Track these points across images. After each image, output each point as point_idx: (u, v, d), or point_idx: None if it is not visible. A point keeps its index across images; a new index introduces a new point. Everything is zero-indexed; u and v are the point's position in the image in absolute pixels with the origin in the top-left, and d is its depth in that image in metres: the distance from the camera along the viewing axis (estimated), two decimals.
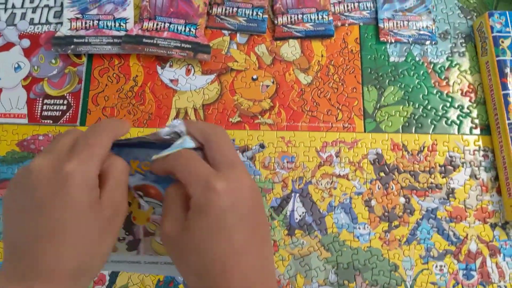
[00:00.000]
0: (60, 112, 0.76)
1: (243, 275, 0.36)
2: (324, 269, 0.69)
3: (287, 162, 0.74)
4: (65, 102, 0.77)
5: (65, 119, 0.76)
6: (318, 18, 0.79)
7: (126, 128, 0.45)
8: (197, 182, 0.37)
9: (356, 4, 0.81)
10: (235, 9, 0.80)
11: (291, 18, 0.79)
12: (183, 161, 0.39)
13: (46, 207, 0.36)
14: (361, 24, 0.81)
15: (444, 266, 0.69)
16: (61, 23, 0.80)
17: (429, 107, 0.76)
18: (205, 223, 0.36)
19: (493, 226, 0.71)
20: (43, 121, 0.76)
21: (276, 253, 0.70)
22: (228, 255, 0.36)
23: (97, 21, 0.78)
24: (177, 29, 0.78)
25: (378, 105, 0.76)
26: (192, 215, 0.37)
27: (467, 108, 0.76)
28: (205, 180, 0.37)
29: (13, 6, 0.82)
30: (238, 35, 0.80)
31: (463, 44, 0.80)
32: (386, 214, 0.71)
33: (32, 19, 0.81)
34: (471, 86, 0.77)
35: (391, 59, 0.79)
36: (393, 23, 0.80)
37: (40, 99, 0.77)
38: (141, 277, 0.69)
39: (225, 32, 0.80)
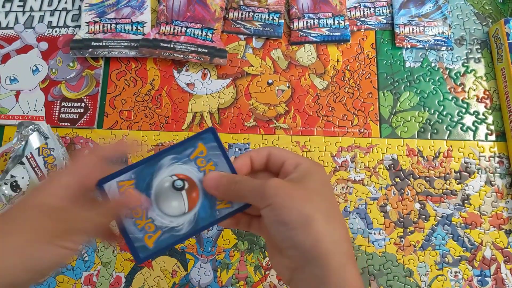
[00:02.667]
0: (78, 115, 0.77)
1: (342, 232, 0.39)
2: None
3: None
4: (83, 105, 0.77)
5: (82, 122, 0.76)
6: (334, 23, 0.79)
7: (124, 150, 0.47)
8: (304, 158, 0.42)
9: (372, 10, 0.81)
10: (251, 14, 0.80)
11: (307, 22, 0.80)
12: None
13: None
14: (377, 29, 0.81)
15: (459, 272, 0.69)
16: (79, 26, 0.80)
17: (444, 113, 0.76)
18: (313, 184, 0.40)
19: (508, 232, 0.71)
20: (60, 123, 0.77)
21: None
22: (328, 213, 0.39)
23: (114, 25, 0.79)
24: (194, 34, 0.78)
25: (394, 110, 0.76)
26: (302, 176, 0.41)
27: (483, 114, 0.76)
28: (308, 158, 0.46)
29: (31, 9, 0.83)
30: (254, 39, 0.81)
31: (479, 50, 0.80)
32: (401, 219, 0.71)
33: (50, 22, 0.82)
34: (487, 92, 0.77)
35: (407, 64, 0.79)
36: (409, 28, 0.80)
37: (58, 101, 0.78)
38: (156, 279, 0.70)
39: (241, 36, 0.81)
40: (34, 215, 0.38)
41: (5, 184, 0.71)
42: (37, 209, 0.38)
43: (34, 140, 0.73)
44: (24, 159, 0.72)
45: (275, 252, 0.41)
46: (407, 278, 0.69)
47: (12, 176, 0.72)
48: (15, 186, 0.72)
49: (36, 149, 0.72)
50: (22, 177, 0.72)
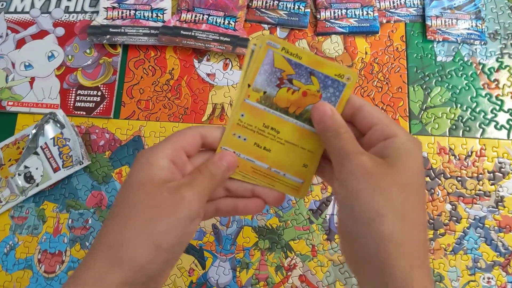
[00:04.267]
0: (94, 104, 0.74)
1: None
2: None
3: None
4: (99, 93, 0.74)
5: (98, 111, 0.73)
6: (362, 14, 0.76)
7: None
8: (399, 128, 0.37)
9: (402, 1, 0.77)
10: (276, 2, 0.77)
11: (334, 12, 0.76)
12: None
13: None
14: (408, 21, 0.77)
15: (492, 279, 0.66)
16: (97, 12, 0.77)
17: (477, 109, 0.73)
18: (404, 170, 0.35)
19: None
20: (76, 112, 0.74)
21: (315, 259, 0.67)
22: (404, 210, 0.34)
23: (133, 11, 0.76)
24: (216, 22, 0.75)
25: (424, 106, 0.73)
26: (394, 156, 0.36)
27: None
28: (402, 128, 0.38)
29: None
30: (278, 29, 0.77)
31: None
32: (431, 221, 0.68)
33: (67, 7, 0.79)
34: None
35: (438, 58, 0.75)
36: (441, 21, 0.76)
37: (74, 89, 0.75)
38: (172, 278, 0.67)
39: (265, 26, 0.77)
40: (148, 191, 0.36)
41: (19, 175, 0.69)
42: (149, 185, 0.37)
43: (49, 130, 0.70)
44: (38, 149, 0.69)
45: (343, 235, 0.38)
46: (437, 283, 0.66)
47: (26, 167, 0.69)
48: (29, 178, 0.69)
49: (51, 139, 0.70)
50: (36, 168, 0.69)
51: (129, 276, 0.34)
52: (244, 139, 0.42)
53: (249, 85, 0.41)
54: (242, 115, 0.42)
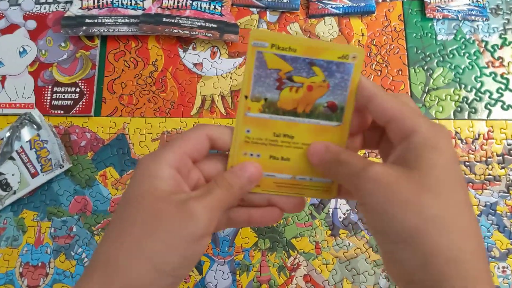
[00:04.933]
0: (72, 101, 0.68)
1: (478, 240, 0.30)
2: (373, 273, 0.62)
3: None
4: (77, 90, 0.69)
5: (78, 109, 0.68)
6: None
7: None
8: (421, 118, 0.31)
9: None
10: None
11: None
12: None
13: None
14: None
15: (507, 268, 0.62)
16: (71, 2, 0.72)
17: (483, 90, 0.69)
18: (432, 170, 0.29)
19: None
20: (53, 111, 0.68)
21: (319, 256, 0.63)
22: (448, 218, 0.29)
23: None
24: (201, 7, 0.70)
25: (427, 88, 0.69)
26: (417, 156, 0.30)
27: None
28: (426, 118, 0.32)
29: None
30: (268, 12, 0.72)
31: None
32: None
33: None
34: None
35: (439, 37, 0.71)
36: None
37: (49, 87, 0.69)
38: None
39: (254, 9, 0.72)
40: (149, 205, 0.32)
41: None
42: (150, 198, 0.33)
43: (25, 132, 0.64)
44: (14, 154, 0.64)
45: (384, 254, 0.33)
46: None
47: (1, 174, 0.64)
48: (5, 185, 0.64)
49: (27, 142, 0.64)
50: (13, 174, 0.64)
51: None
52: (258, 155, 0.38)
53: (246, 97, 0.37)
54: (248, 131, 0.37)
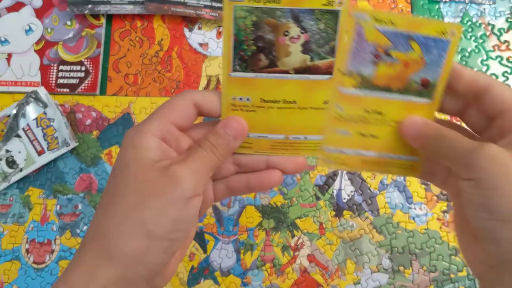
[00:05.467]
0: (78, 80, 0.68)
1: None
2: (377, 253, 0.63)
3: None
4: (83, 68, 0.69)
5: (83, 88, 0.68)
6: None
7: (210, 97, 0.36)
8: None
9: None
10: None
11: None
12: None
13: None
14: None
15: None
16: None
17: (489, 73, 0.69)
18: None
19: None
20: (58, 89, 0.68)
21: (323, 237, 0.63)
22: None
23: None
24: None
25: None
26: None
27: None
28: None
29: None
30: None
31: None
32: (444, 192, 0.64)
33: None
34: None
35: (446, 20, 0.71)
36: None
37: (55, 65, 0.69)
38: None
39: None
40: (134, 174, 0.32)
41: (0, 160, 0.63)
42: (135, 167, 0.33)
43: (31, 110, 0.64)
44: (20, 132, 0.64)
45: (467, 234, 0.33)
46: (453, 257, 0.62)
47: (7, 151, 0.64)
48: (11, 162, 0.64)
49: (33, 119, 0.64)
50: (19, 152, 0.64)
51: (122, 271, 0.31)
52: (349, 133, 0.37)
53: (339, 70, 0.35)
54: (340, 108, 0.37)
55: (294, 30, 0.34)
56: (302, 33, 0.34)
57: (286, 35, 0.34)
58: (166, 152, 0.34)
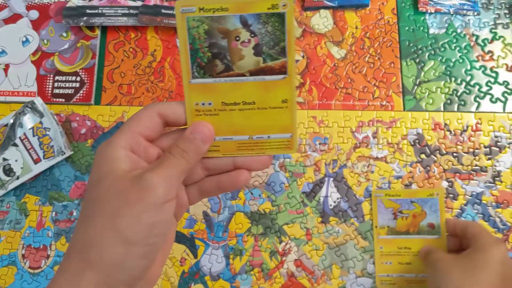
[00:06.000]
0: (73, 90, 0.70)
1: None
2: (361, 259, 0.65)
3: (320, 144, 0.68)
4: (78, 79, 0.71)
5: (78, 98, 0.70)
6: None
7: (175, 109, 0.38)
8: (487, 234, 0.57)
9: None
10: None
11: None
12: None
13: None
14: None
15: None
16: None
17: (472, 83, 0.70)
18: (479, 256, 0.54)
19: None
20: (54, 99, 0.70)
21: (309, 242, 0.65)
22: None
23: None
24: None
25: (418, 81, 0.70)
26: (473, 252, 0.55)
27: None
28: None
29: None
30: None
31: (507, 15, 0.73)
32: None
33: None
34: None
35: (431, 31, 0.73)
36: None
37: (51, 75, 0.71)
38: (164, 268, 0.64)
39: None
40: (108, 185, 0.34)
41: None
42: (109, 178, 0.34)
43: (28, 119, 0.66)
44: (17, 141, 0.66)
45: None
46: None
47: (4, 159, 0.66)
48: (8, 170, 0.66)
49: (30, 129, 0.66)
50: (16, 160, 0.66)
51: (104, 278, 0.32)
52: (390, 262, 0.63)
53: (376, 226, 0.64)
54: (382, 248, 0.64)
55: (244, 35, 0.36)
56: (252, 36, 0.36)
57: (237, 40, 0.36)
58: (136, 162, 0.36)
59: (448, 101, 0.70)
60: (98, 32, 0.73)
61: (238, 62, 0.37)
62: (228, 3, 0.35)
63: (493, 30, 0.73)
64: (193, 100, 0.37)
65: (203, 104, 0.37)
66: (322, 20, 0.73)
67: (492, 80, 0.71)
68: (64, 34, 0.73)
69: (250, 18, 0.35)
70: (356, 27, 0.73)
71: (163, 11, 0.70)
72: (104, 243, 0.33)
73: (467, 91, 0.70)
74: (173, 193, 0.35)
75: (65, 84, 0.70)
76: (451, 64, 0.71)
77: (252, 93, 0.37)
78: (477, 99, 0.70)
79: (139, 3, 0.72)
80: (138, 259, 0.34)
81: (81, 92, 0.70)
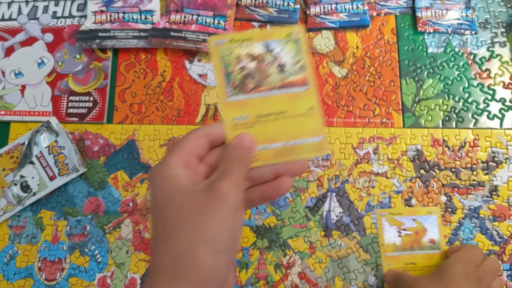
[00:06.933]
0: (86, 110, 0.74)
1: None
2: (363, 271, 0.67)
3: (322, 159, 0.71)
4: (91, 99, 0.74)
5: (91, 117, 0.73)
6: (352, 8, 0.75)
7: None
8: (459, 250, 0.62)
9: None
10: (265, 0, 0.76)
11: (324, 8, 0.76)
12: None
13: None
14: (398, 13, 0.77)
15: None
16: (85, 16, 0.77)
17: (470, 100, 0.73)
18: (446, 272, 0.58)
19: None
20: (68, 118, 0.74)
21: (313, 255, 0.68)
22: None
23: (122, 14, 0.75)
24: (206, 22, 0.75)
25: (417, 98, 0.73)
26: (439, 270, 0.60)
27: (510, 101, 0.73)
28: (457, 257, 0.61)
29: None
30: (268, 26, 0.77)
31: (504, 34, 0.76)
32: None
33: (55, 12, 0.78)
34: None
35: (430, 50, 0.75)
36: (431, 12, 0.76)
37: (65, 96, 0.75)
38: None
39: (255, 24, 0.77)
40: (180, 201, 0.36)
41: (15, 184, 0.69)
42: (178, 195, 0.36)
43: (44, 138, 0.70)
44: (34, 159, 0.69)
45: None
46: None
47: (22, 177, 0.69)
48: (25, 187, 0.69)
49: (46, 147, 0.69)
50: (32, 177, 0.69)
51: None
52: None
53: (382, 244, 0.67)
54: (389, 264, 0.66)
55: (269, 57, 0.42)
56: (275, 58, 0.42)
57: (263, 62, 0.42)
58: (194, 177, 0.38)
59: (447, 118, 0.72)
60: (110, 53, 0.76)
61: (266, 79, 0.42)
62: (253, 34, 0.41)
63: (490, 49, 0.75)
64: (230, 116, 0.41)
65: (239, 118, 0.42)
66: (324, 41, 0.76)
67: (489, 97, 0.73)
68: (78, 56, 0.76)
69: (272, 44, 0.41)
70: (357, 47, 0.75)
71: (172, 33, 0.74)
72: (196, 255, 0.34)
73: (465, 108, 0.73)
74: (242, 200, 0.37)
75: (78, 104, 0.74)
76: (449, 82, 0.74)
77: (281, 104, 0.42)
78: (475, 115, 0.72)
79: (149, 26, 0.75)
80: (223, 267, 0.35)
81: (94, 111, 0.73)
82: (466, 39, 0.76)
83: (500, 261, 0.66)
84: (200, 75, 0.75)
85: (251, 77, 0.41)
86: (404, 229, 0.66)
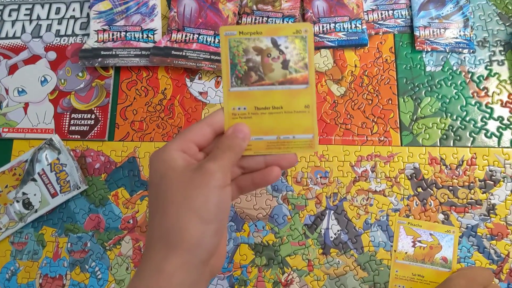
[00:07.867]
0: (88, 127, 0.75)
1: None
2: None
3: (321, 177, 0.72)
4: (93, 116, 0.75)
5: (93, 134, 0.74)
6: (351, 27, 0.76)
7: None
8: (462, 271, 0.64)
9: (390, 12, 0.78)
10: (265, 19, 0.78)
11: (323, 27, 0.77)
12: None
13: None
14: (396, 32, 0.78)
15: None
16: (88, 35, 0.78)
17: (467, 118, 0.73)
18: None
19: None
20: (70, 136, 0.75)
21: (311, 273, 0.68)
22: None
23: (124, 33, 0.76)
24: (206, 41, 0.76)
25: (415, 117, 0.74)
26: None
27: (507, 119, 0.73)
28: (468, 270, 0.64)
29: (38, 17, 0.80)
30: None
31: (502, 52, 0.77)
32: None
33: (58, 31, 0.80)
34: (511, 97, 0.74)
35: (428, 68, 0.76)
36: (429, 31, 0.77)
37: (68, 113, 0.76)
38: None
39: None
40: (173, 178, 0.39)
41: (17, 201, 0.70)
42: (171, 174, 0.40)
43: (46, 156, 0.71)
44: (36, 176, 0.70)
45: None
46: None
47: (24, 194, 0.70)
48: (27, 204, 0.70)
49: (48, 165, 0.70)
50: (34, 194, 0.70)
51: (186, 258, 0.37)
52: (403, 287, 0.67)
53: (395, 250, 0.68)
54: (397, 271, 0.67)
55: (275, 52, 0.44)
56: (280, 54, 0.44)
57: (269, 56, 0.44)
58: (189, 161, 0.41)
59: (444, 136, 0.73)
60: (112, 71, 0.78)
61: (269, 74, 0.44)
62: (262, 28, 0.44)
63: (488, 67, 0.76)
64: (231, 105, 0.44)
65: (239, 108, 0.44)
66: (322, 59, 0.77)
67: (487, 115, 0.74)
68: (80, 74, 0.78)
69: (279, 40, 0.44)
70: (355, 66, 0.76)
71: (173, 52, 0.75)
72: (184, 225, 0.37)
73: (463, 127, 0.73)
74: (228, 179, 0.41)
75: (80, 122, 0.75)
76: (447, 100, 0.74)
77: (280, 99, 0.44)
78: (472, 134, 0.73)
79: (150, 45, 0.76)
80: (212, 236, 0.39)
81: (95, 129, 0.74)
82: (464, 57, 0.77)
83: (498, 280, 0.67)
84: (200, 93, 0.76)
85: (255, 70, 0.44)
86: (419, 241, 0.68)
